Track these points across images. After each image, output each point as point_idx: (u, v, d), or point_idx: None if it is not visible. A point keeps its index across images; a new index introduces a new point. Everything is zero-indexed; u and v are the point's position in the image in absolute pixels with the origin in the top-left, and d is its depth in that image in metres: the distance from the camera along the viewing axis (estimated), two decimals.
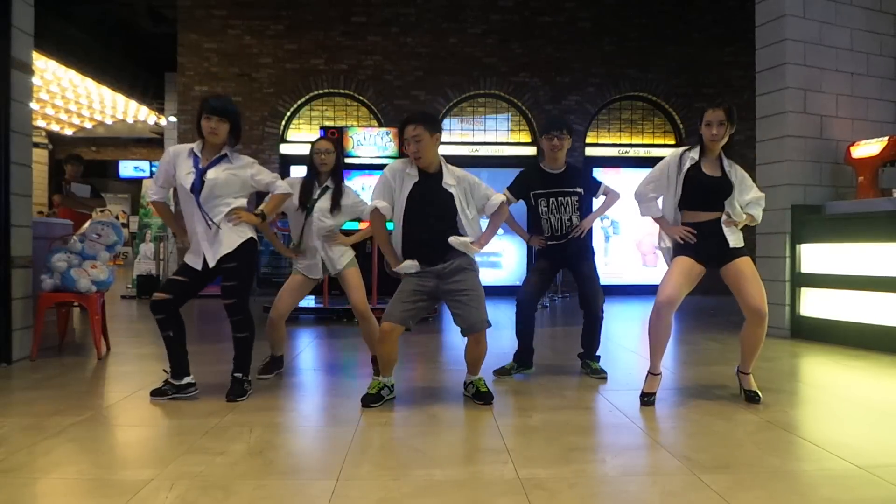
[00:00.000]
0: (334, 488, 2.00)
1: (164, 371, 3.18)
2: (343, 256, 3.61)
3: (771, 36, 5.39)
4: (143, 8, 11.43)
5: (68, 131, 17.99)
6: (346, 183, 3.69)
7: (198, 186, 3.03)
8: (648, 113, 9.88)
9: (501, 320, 6.62)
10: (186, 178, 3.05)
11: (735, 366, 3.26)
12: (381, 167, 7.72)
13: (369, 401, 3.00)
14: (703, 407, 3.00)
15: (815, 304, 5.07)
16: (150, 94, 15.21)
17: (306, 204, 3.53)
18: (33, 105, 10.61)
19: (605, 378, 3.65)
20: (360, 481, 2.09)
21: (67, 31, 11.47)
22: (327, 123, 9.53)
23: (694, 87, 9.60)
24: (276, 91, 9.35)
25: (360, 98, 9.48)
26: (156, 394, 3.14)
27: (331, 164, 3.58)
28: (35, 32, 4.30)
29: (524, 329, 3.75)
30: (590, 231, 3.75)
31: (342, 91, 9.46)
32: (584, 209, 3.76)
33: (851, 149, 5.18)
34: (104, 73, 13.09)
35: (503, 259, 9.45)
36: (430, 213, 3.05)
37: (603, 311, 3.75)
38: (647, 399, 3.06)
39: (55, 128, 17.49)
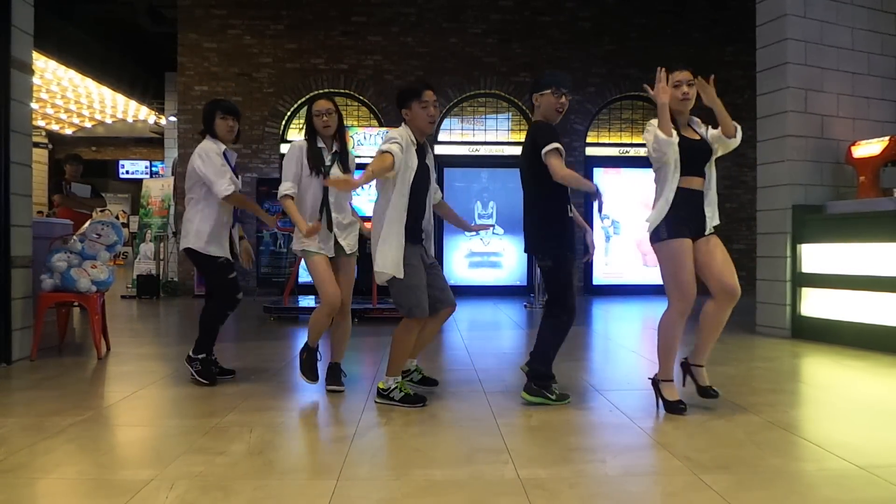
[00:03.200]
0: (334, 488, 2.00)
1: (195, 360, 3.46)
2: (356, 242, 3.39)
3: (772, 35, 5.39)
4: (143, 8, 11.42)
5: (68, 131, 18.02)
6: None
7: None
8: (649, 113, 9.86)
9: (502, 320, 6.62)
10: (232, 176, 3.45)
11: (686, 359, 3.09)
12: None
13: (422, 402, 3.02)
14: (704, 407, 2.99)
15: (815, 304, 5.06)
16: (150, 94, 15.23)
17: (322, 171, 3.22)
18: (33, 105, 10.61)
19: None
20: (360, 481, 2.09)
21: (67, 31, 11.48)
22: None
23: None
24: (276, 91, 9.35)
25: (361, 98, 9.48)
26: (206, 375, 3.43)
27: (334, 126, 3.27)
28: (35, 32, 4.30)
29: None
30: None
31: (342, 91, 9.44)
32: None
33: (852, 148, 5.17)
34: (104, 73, 13.10)
35: (503, 259, 9.45)
36: (424, 185, 3.08)
37: None
38: (682, 406, 2.88)
39: (55, 127, 17.51)
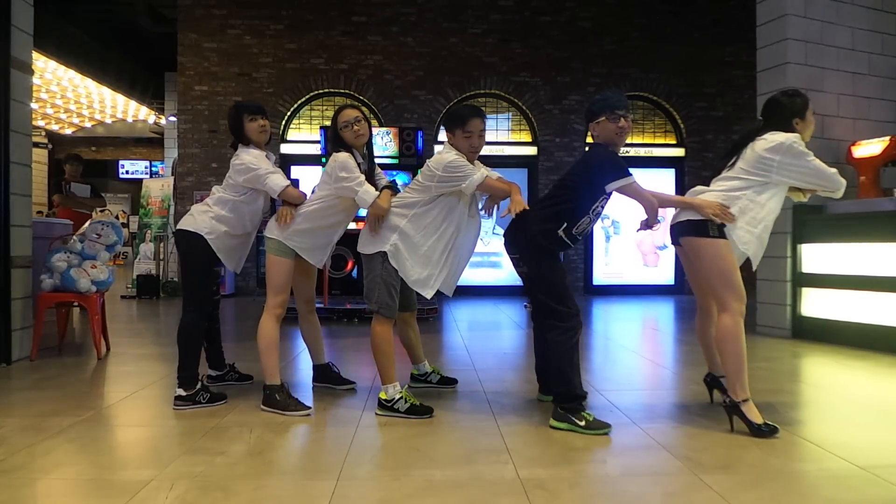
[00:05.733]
0: (334, 488, 2.00)
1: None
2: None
3: (772, 35, 5.39)
4: (143, 8, 11.42)
5: (68, 131, 18.03)
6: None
7: None
8: (649, 113, 9.86)
9: (502, 320, 6.63)
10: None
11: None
12: (381, 167, 7.69)
13: (430, 412, 2.84)
14: (704, 407, 2.99)
15: (816, 304, 5.06)
16: (150, 94, 15.24)
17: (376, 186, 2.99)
18: (33, 105, 10.62)
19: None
20: (360, 481, 2.09)
21: (67, 31, 11.48)
22: (327, 123, 9.53)
23: (695, 87, 9.58)
24: (276, 91, 9.35)
25: (361, 98, 9.47)
26: (216, 397, 3.06)
27: (367, 134, 3.03)
28: (35, 32, 4.30)
29: None
30: None
31: (342, 91, 9.45)
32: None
33: (853, 148, 5.17)
34: (104, 73, 13.11)
35: (503, 259, 9.44)
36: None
37: None
38: (775, 428, 2.54)
39: (55, 127, 17.53)
